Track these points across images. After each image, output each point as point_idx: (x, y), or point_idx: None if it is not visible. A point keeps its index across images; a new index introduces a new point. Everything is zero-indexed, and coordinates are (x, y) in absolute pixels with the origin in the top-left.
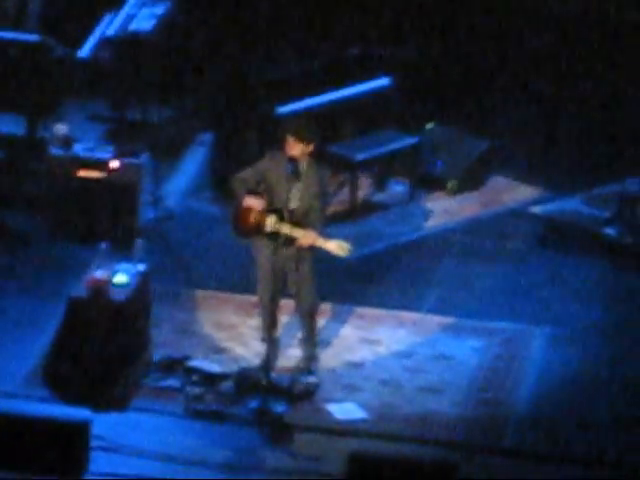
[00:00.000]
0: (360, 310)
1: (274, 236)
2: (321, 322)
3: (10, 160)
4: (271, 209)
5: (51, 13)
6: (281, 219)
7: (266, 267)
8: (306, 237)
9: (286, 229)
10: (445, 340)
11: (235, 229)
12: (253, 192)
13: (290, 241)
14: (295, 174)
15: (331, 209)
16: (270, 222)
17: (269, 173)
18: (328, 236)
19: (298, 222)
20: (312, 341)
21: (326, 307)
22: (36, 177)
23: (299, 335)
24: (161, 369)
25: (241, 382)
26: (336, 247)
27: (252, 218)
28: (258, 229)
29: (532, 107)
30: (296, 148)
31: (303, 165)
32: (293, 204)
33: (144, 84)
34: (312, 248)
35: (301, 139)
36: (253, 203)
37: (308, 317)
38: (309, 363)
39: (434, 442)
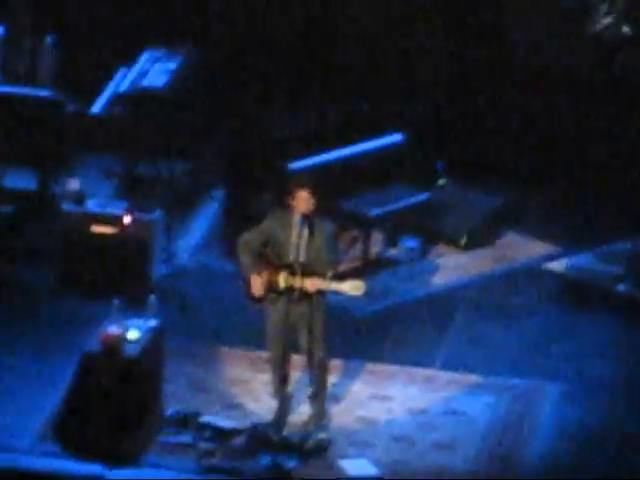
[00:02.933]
0: (371, 366)
1: (287, 292)
2: (332, 378)
3: (22, 215)
4: (281, 265)
5: (63, 69)
6: (292, 273)
7: (278, 324)
8: (319, 283)
9: (298, 282)
10: (457, 396)
11: (248, 296)
12: (260, 253)
13: (304, 294)
14: (303, 229)
15: (343, 266)
16: (282, 278)
17: (276, 231)
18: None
19: (309, 273)
20: (323, 397)
21: (337, 363)
22: (48, 233)
23: (310, 391)
24: (173, 425)
25: (253, 438)
26: (350, 287)
27: (257, 294)
28: (270, 288)
29: (545, 164)
30: (305, 203)
31: (311, 220)
32: (302, 257)
33: (157, 140)
34: (323, 301)
35: (312, 192)
36: (255, 285)
37: (319, 372)
38: (320, 419)
39: None
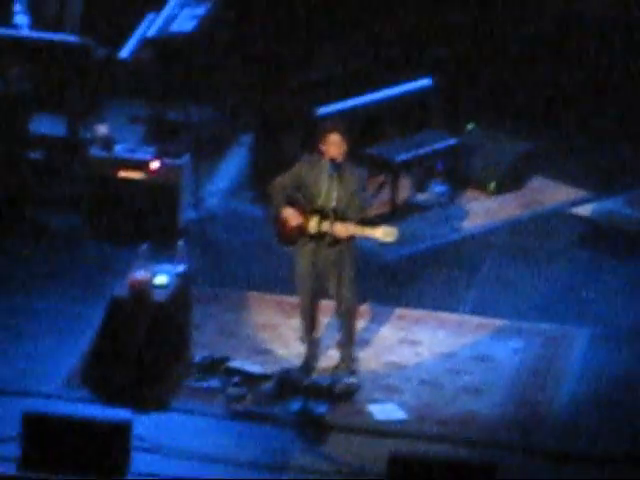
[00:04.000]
0: (400, 311)
1: (318, 237)
2: (361, 323)
3: (50, 161)
4: (312, 210)
5: (91, 14)
6: (324, 218)
7: (307, 269)
8: (351, 229)
9: (329, 227)
10: (486, 341)
11: (278, 238)
12: (291, 198)
13: (334, 239)
14: (334, 174)
15: (372, 211)
16: (313, 223)
17: (307, 176)
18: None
19: (340, 219)
20: (351, 342)
21: (366, 308)
22: (76, 178)
23: (339, 336)
24: (202, 370)
25: (282, 383)
26: (383, 233)
27: (294, 223)
28: (301, 232)
29: (573, 108)
30: (336, 148)
31: (341, 165)
32: (333, 202)
33: (185, 85)
34: (353, 247)
35: (343, 136)
36: (290, 216)
37: (348, 318)
38: (349, 364)
39: (474, 443)
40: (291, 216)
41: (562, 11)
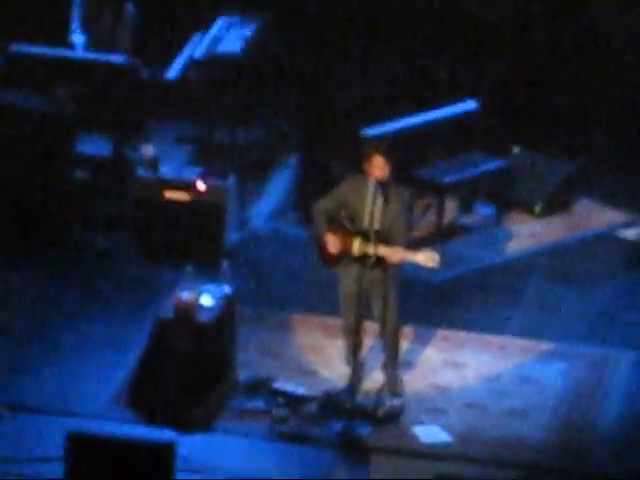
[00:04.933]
0: (444, 333)
1: (361, 259)
2: (405, 345)
3: (96, 181)
4: (356, 231)
5: (140, 35)
6: (367, 240)
7: (352, 290)
8: (394, 253)
9: (373, 249)
10: (530, 363)
11: (321, 260)
12: (335, 219)
13: (378, 261)
14: (378, 195)
15: (417, 233)
16: (356, 245)
17: (351, 197)
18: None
19: (383, 241)
20: (396, 364)
21: (410, 330)
22: (123, 198)
23: (383, 358)
24: (246, 390)
25: (326, 404)
26: (425, 258)
27: (334, 250)
28: (345, 254)
29: (618, 128)
30: (382, 168)
31: (386, 187)
32: (377, 225)
33: (232, 105)
34: (398, 268)
35: (387, 158)
36: (331, 243)
37: (392, 339)
38: (394, 386)
39: (519, 465)
40: (332, 243)
41: (607, 29)
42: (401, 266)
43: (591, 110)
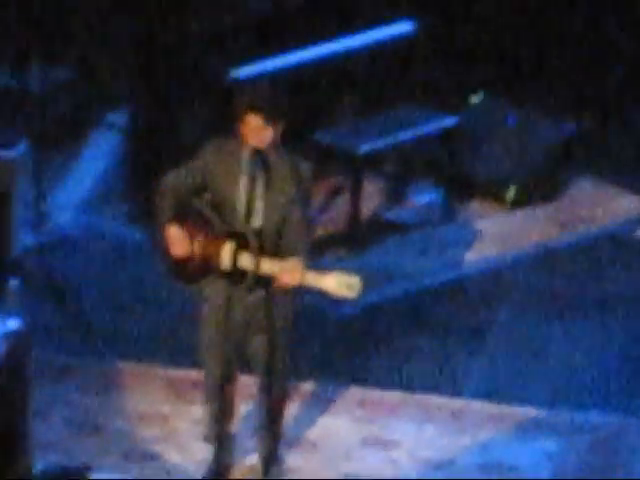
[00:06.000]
0: (363, 393)
1: (233, 275)
2: (299, 410)
3: None
4: (225, 231)
5: None
6: (243, 246)
7: (217, 324)
8: (287, 271)
9: (252, 262)
10: (501, 441)
11: (170, 269)
12: (189, 209)
13: (260, 281)
14: (258, 173)
15: (319, 230)
16: (226, 253)
17: (216, 173)
18: (322, 268)
19: (269, 248)
20: (279, 439)
21: (308, 387)
22: None
23: (260, 430)
24: None
25: None
26: (338, 283)
27: (179, 252)
28: (208, 267)
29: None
30: (259, 131)
31: (270, 159)
32: (258, 220)
33: (24, 25)
34: (292, 293)
35: (268, 116)
36: (175, 240)
37: (277, 401)
38: (277, 471)
39: None
40: (177, 241)
41: None
42: (297, 290)
43: (601, 44)
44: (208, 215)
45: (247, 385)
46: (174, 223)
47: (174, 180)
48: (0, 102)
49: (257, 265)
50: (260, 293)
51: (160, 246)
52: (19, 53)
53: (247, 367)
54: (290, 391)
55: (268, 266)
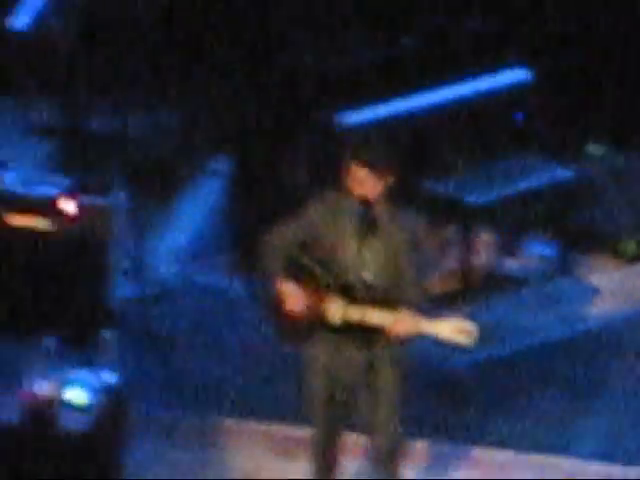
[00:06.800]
0: (480, 452)
1: (342, 330)
2: (413, 472)
3: None
4: (334, 285)
5: None
6: (352, 301)
7: (323, 382)
8: (399, 320)
9: (362, 315)
10: None
11: (277, 329)
12: (297, 264)
13: (371, 335)
14: (368, 226)
15: (430, 284)
16: (334, 307)
17: (324, 227)
18: (435, 315)
19: (380, 301)
20: None
21: (422, 447)
22: None
23: None
24: None
25: None
26: (454, 330)
27: (297, 308)
28: (314, 321)
29: None
30: (369, 184)
31: (378, 210)
32: (369, 275)
33: (121, 74)
34: (404, 347)
35: (374, 170)
36: (292, 296)
37: (389, 462)
38: None
39: None
40: (294, 297)
41: None
42: (409, 343)
43: None
44: (315, 270)
45: (355, 443)
46: (284, 279)
47: (284, 235)
48: (99, 148)
49: (367, 317)
50: (371, 349)
51: (270, 303)
52: (118, 98)
53: (354, 425)
54: (403, 450)
55: (379, 317)
